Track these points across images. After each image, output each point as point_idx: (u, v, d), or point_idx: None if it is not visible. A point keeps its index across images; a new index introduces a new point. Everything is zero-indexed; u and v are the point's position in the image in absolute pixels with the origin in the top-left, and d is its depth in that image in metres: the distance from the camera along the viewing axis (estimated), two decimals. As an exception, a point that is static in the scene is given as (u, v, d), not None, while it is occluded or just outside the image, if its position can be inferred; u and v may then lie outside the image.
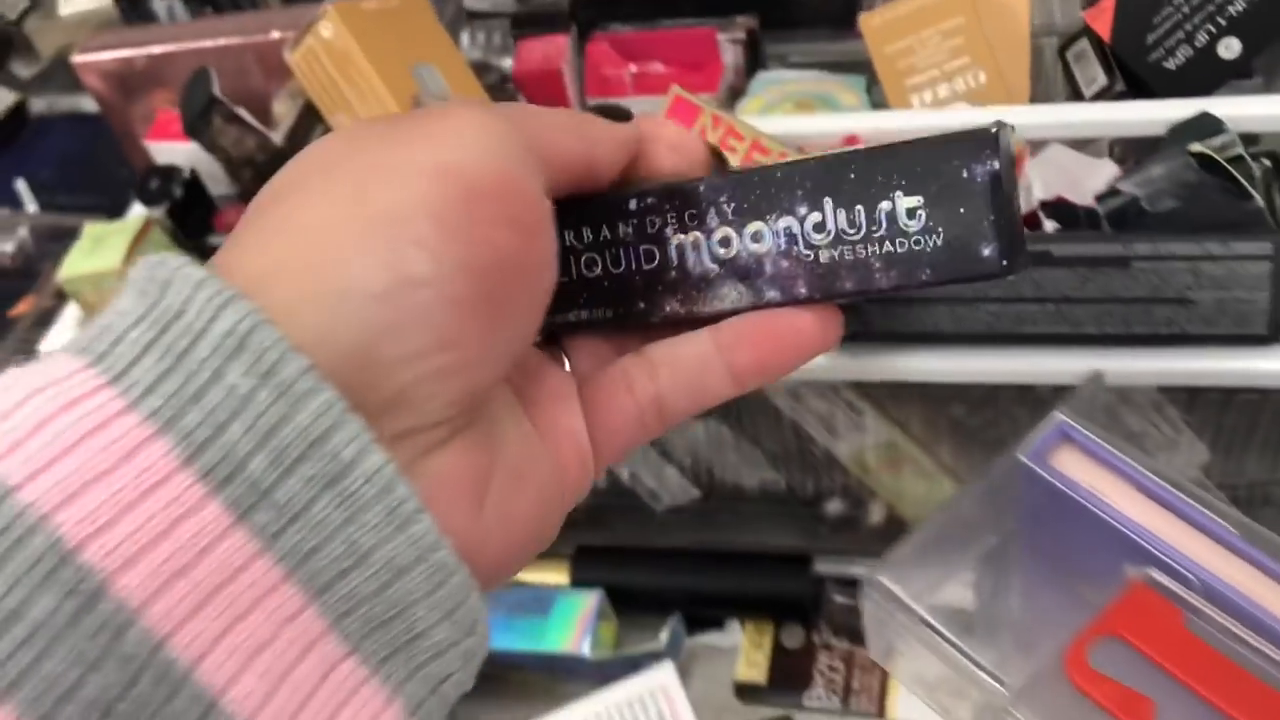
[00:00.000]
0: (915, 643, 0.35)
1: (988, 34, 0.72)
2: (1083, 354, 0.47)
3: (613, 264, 0.27)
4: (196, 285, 0.19)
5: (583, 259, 0.27)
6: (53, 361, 0.19)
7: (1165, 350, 0.47)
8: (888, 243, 0.25)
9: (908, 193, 0.24)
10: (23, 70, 1.04)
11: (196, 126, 0.58)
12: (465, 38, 0.97)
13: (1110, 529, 0.36)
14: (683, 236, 0.26)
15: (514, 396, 0.26)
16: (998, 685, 0.33)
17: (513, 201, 0.23)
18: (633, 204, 0.27)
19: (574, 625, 0.60)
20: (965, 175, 0.24)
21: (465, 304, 0.21)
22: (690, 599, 0.63)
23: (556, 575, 0.63)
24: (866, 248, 0.25)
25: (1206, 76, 0.65)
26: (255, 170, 0.60)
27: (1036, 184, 0.58)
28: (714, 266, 0.26)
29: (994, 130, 0.23)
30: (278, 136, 0.60)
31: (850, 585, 0.63)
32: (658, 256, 0.27)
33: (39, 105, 1.04)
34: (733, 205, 0.26)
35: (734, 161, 0.58)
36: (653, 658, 0.58)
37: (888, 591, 0.35)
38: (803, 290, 0.26)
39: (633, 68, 0.80)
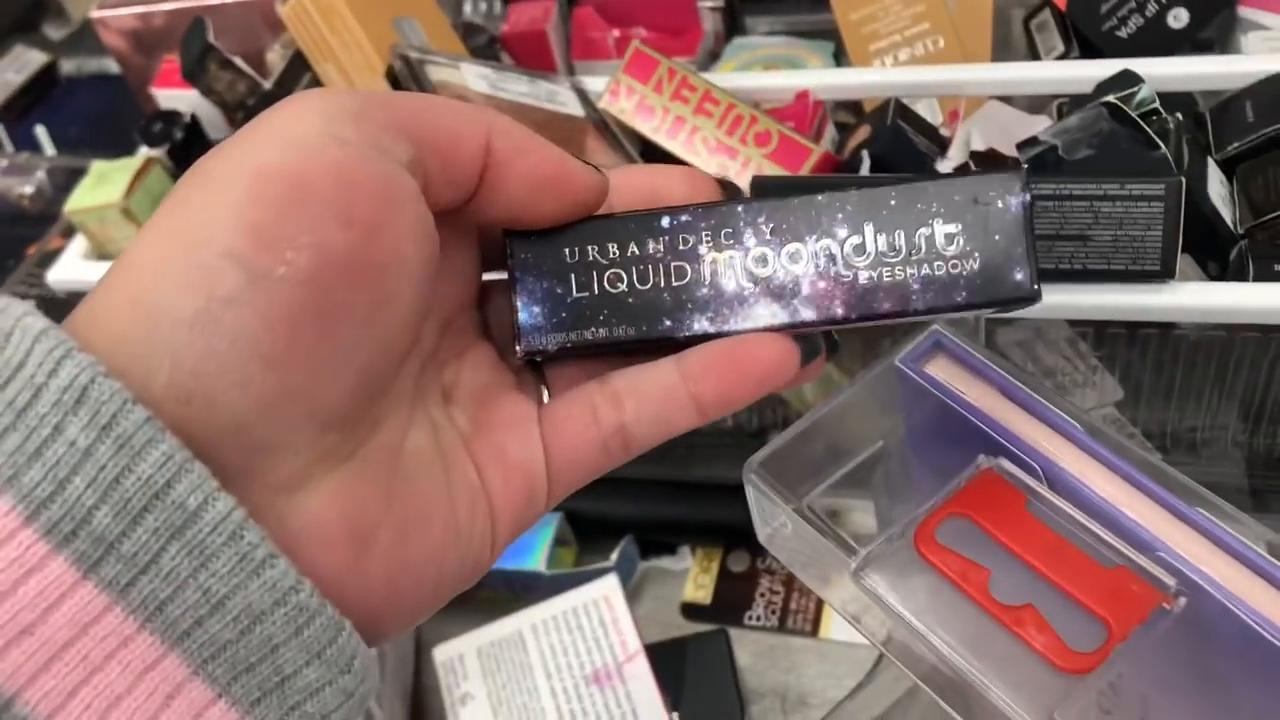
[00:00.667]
0: (789, 525, 0.39)
1: (949, 4, 0.75)
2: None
3: (639, 280, 0.27)
4: (36, 337, 0.19)
5: (606, 275, 0.27)
6: None
7: (1068, 285, 0.50)
8: (926, 265, 0.26)
9: (946, 220, 0.26)
10: (54, 32, 1.10)
11: (194, 72, 0.63)
12: (467, 5, 1.01)
13: (970, 425, 0.39)
14: (717, 254, 0.26)
15: (448, 430, 0.25)
16: (847, 555, 0.37)
17: (346, 195, 0.21)
18: (666, 221, 0.27)
19: (535, 546, 0.64)
20: (1001, 205, 0.26)
21: (288, 318, 0.20)
22: (645, 525, 0.67)
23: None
24: (905, 269, 0.26)
25: (1157, 45, 0.68)
26: (248, 113, 0.64)
27: (974, 137, 0.62)
28: (749, 285, 0.26)
29: (1025, 166, 0.26)
30: (268, 83, 0.64)
31: (793, 515, 0.66)
32: (689, 273, 0.27)
33: (68, 67, 1.10)
34: (771, 226, 0.26)
35: (687, 110, 0.62)
36: (600, 574, 0.62)
37: (763, 478, 0.39)
38: (839, 310, 0.26)
39: (616, 32, 0.84)
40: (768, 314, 0.26)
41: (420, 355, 0.26)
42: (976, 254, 0.26)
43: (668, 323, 0.27)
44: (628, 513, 0.67)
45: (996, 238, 0.26)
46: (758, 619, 0.63)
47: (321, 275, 0.20)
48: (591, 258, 0.27)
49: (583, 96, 0.66)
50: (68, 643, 0.19)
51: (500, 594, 0.64)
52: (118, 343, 0.20)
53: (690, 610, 0.64)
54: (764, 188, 0.51)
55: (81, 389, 0.19)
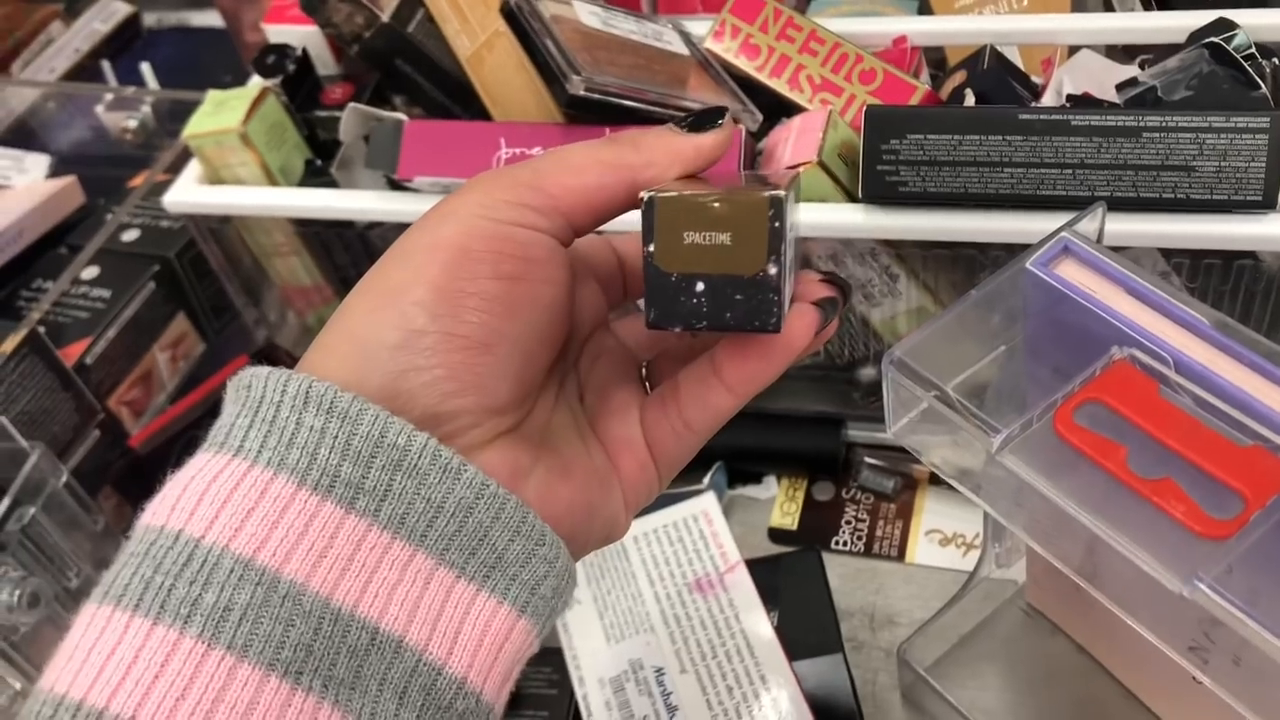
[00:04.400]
0: (929, 410, 0.41)
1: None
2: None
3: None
4: (265, 377, 0.28)
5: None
6: (193, 460, 0.28)
7: (1170, 215, 0.53)
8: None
9: None
10: (137, -15, 1.13)
11: (313, 3, 0.65)
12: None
13: (1102, 321, 0.41)
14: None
15: (581, 416, 0.34)
16: (989, 435, 0.39)
17: (505, 257, 0.30)
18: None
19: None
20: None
21: (461, 342, 0.29)
22: (733, 454, 0.69)
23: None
24: None
25: None
26: (362, 46, 0.67)
27: (1066, 83, 0.64)
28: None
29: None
30: (385, 15, 0.67)
31: (878, 449, 0.69)
32: None
33: (150, 19, 1.13)
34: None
35: (793, 49, 0.64)
36: (695, 494, 0.64)
37: (904, 364, 0.41)
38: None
39: (703, -12, 0.86)
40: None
41: (565, 361, 0.35)
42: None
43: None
44: (715, 441, 0.69)
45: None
46: (844, 544, 0.65)
47: (481, 313, 0.29)
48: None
49: (685, 37, 0.68)
50: (350, 557, 0.27)
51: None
52: (342, 364, 0.29)
53: (778, 535, 0.66)
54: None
55: (305, 393, 0.28)
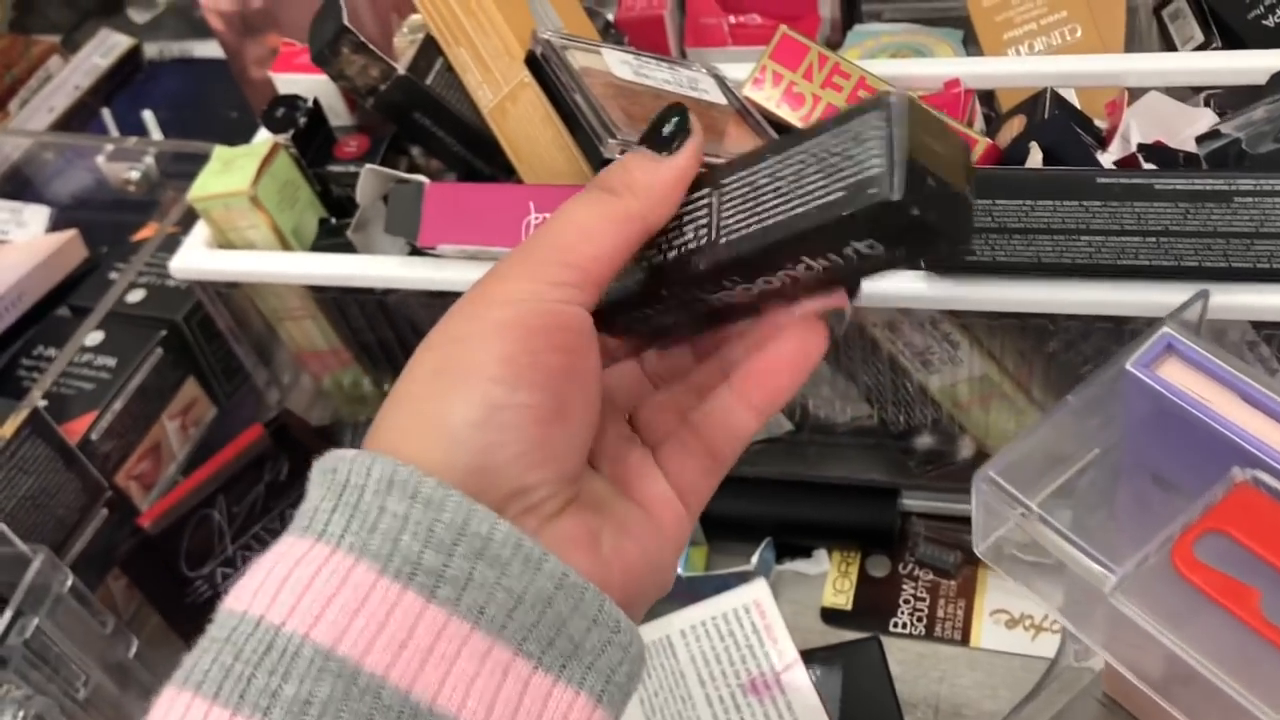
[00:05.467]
0: (1023, 534, 0.37)
1: (1082, -7, 0.72)
2: (1183, 287, 0.49)
3: (675, 316, 0.34)
4: (351, 460, 0.28)
5: (650, 322, 0.35)
6: (278, 544, 0.28)
7: (1265, 285, 0.48)
8: (866, 262, 0.29)
9: (859, 238, 0.29)
10: (138, 16, 1.09)
11: (325, 56, 0.61)
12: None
13: (1215, 435, 0.37)
14: (713, 297, 0.33)
15: (610, 481, 0.34)
16: (1105, 571, 0.34)
17: (556, 332, 0.30)
18: (664, 291, 0.33)
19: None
20: (889, 227, 0.28)
21: (540, 413, 0.29)
22: (780, 527, 0.65)
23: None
24: (850, 266, 0.29)
25: (1309, 35, 0.65)
26: (378, 99, 0.62)
27: (1133, 129, 0.59)
28: (751, 300, 0.32)
29: (895, 180, 0.27)
30: (401, 67, 0.62)
31: (936, 520, 0.64)
32: (704, 309, 0.33)
33: (151, 51, 1.09)
34: (740, 276, 0.31)
35: (840, 99, 0.59)
36: (742, 578, 0.60)
37: (997, 485, 0.37)
38: (827, 289, 0.32)
39: (731, 18, 0.82)
40: (778, 308, 0.33)
41: None
42: (899, 245, 0.29)
43: (710, 328, 0.35)
44: (760, 513, 0.65)
45: (906, 232, 0.28)
46: (903, 626, 0.61)
47: (551, 384, 0.30)
48: (634, 318, 0.35)
49: (721, 83, 0.64)
50: (429, 648, 0.27)
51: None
52: (425, 446, 0.29)
53: (831, 616, 0.62)
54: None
55: (390, 478, 0.28)
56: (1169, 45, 0.78)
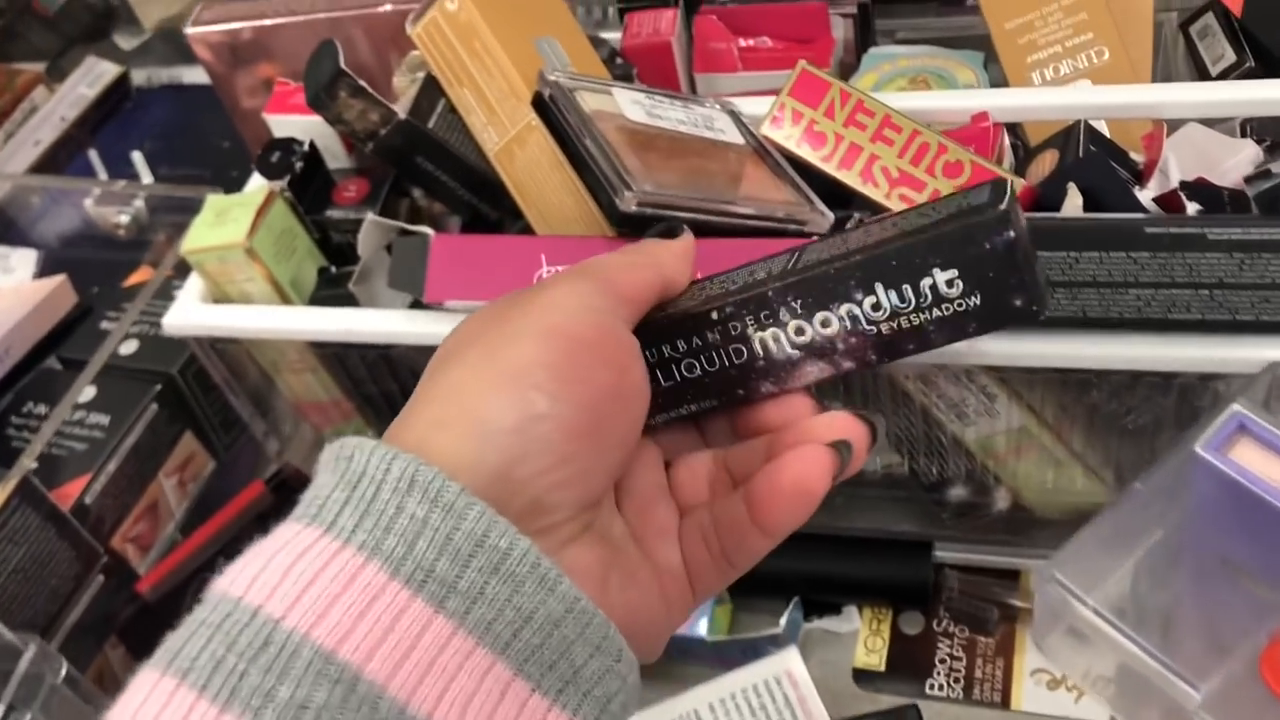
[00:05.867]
0: (1091, 638, 0.34)
1: (1112, 9, 0.69)
2: (1240, 342, 0.46)
3: (708, 364, 0.33)
4: (369, 451, 0.27)
5: (683, 364, 0.33)
6: (280, 529, 0.26)
7: (1327, 340, 0.45)
8: (935, 309, 0.29)
9: (944, 268, 0.29)
10: (124, 42, 1.06)
11: (321, 100, 0.58)
12: (579, 10, 0.96)
13: (1294, 525, 0.34)
14: (763, 333, 0.31)
15: (629, 524, 0.32)
16: (1189, 688, 0.32)
17: (607, 347, 0.30)
18: (714, 315, 0.32)
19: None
20: (989, 247, 0.28)
21: (576, 429, 0.28)
22: (808, 583, 0.62)
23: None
24: (918, 316, 0.30)
25: (1350, 54, 0.63)
26: (378, 144, 0.59)
27: (1173, 165, 0.56)
28: (795, 352, 0.31)
29: (1004, 208, 0.28)
30: (401, 110, 0.59)
31: (971, 572, 0.62)
32: (745, 353, 0.32)
33: (139, 77, 1.06)
34: (799, 302, 0.31)
35: (864, 137, 0.56)
36: (771, 642, 0.57)
37: (1064, 588, 0.34)
38: (873, 357, 0.31)
39: (741, 42, 0.79)
40: (816, 370, 0.31)
41: None
42: (977, 291, 0.29)
43: (740, 391, 0.33)
44: (786, 568, 0.62)
45: (991, 274, 0.29)
46: (940, 688, 0.58)
47: (595, 401, 0.29)
48: (667, 354, 0.33)
49: (737, 119, 0.61)
50: (433, 660, 0.25)
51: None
52: (458, 442, 0.28)
53: (864, 677, 0.60)
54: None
55: (410, 477, 0.26)
56: (1197, 64, 0.75)
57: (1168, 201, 0.55)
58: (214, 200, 0.62)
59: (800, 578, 0.62)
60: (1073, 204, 0.52)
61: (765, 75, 0.77)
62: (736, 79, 0.78)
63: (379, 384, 0.64)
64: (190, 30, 0.76)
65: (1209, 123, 0.60)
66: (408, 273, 0.56)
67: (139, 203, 0.73)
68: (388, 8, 0.73)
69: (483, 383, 0.29)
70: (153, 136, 1.01)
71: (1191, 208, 0.53)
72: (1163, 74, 0.75)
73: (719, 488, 0.34)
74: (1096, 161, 0.54)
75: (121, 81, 1.02)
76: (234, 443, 0.72)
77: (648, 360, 0.32)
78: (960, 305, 0.29)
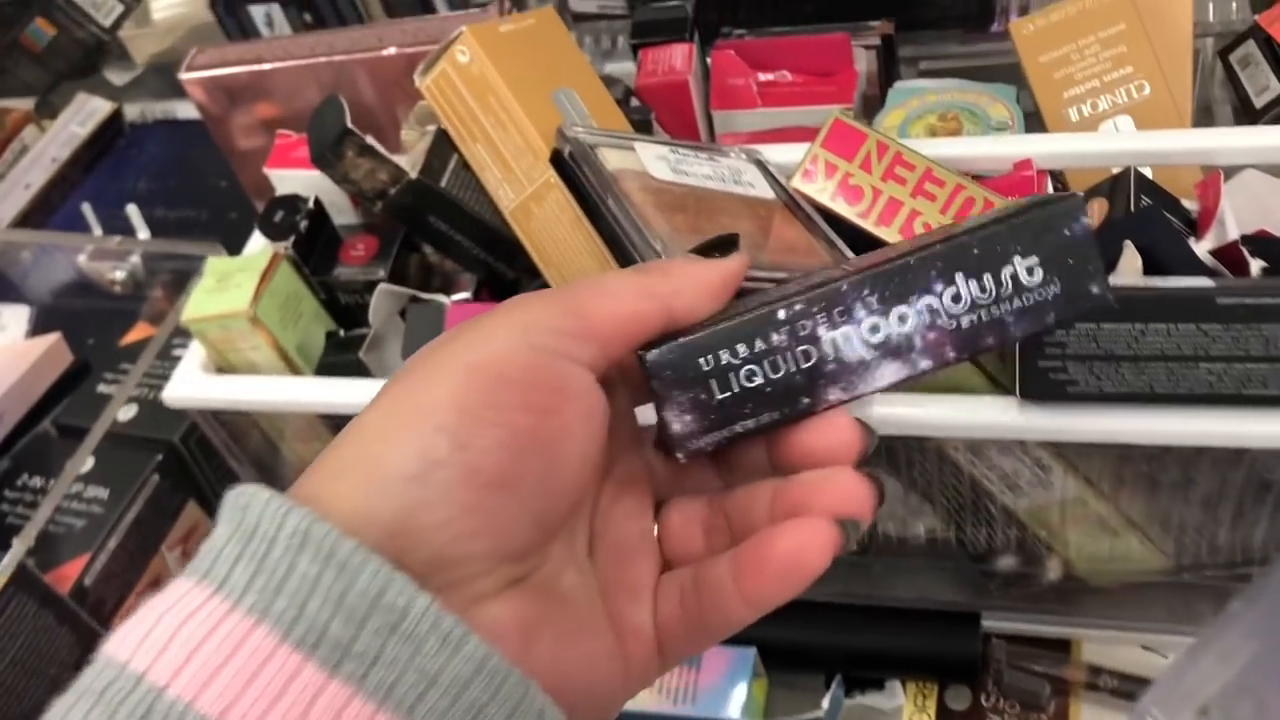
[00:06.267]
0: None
1: (1150, 39, 0.66)
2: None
3: (772, 370, 0.30)
4: (264, 503, 0.25)
5: (741, 372, 0.30)
6: (174, 583, 0.25)
7: None
8: (1016, 299, 0.29)
9: (1025, 255, 0.29)
10: (116, 78, 1.02)
11: (326, 159, 0.55)
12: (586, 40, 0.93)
13: None
14: (834, 332, 0.29)
15: (600, 574, 0.30)
16: None
17: (534, 387, 0.27)
18: (781, 313, 0.29)
19: (724, 685, 0.56)
20: (1068, 232, 0.29)
21: (483, 477, 0.26)
22: (848, 657, 0.59)
23: (702, 628, 0.60)
24: (999, 307, 0.29)
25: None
26: (388, 203, 0.56)
27: (1229, 215, 0.53)
28: (869, 352, 0.29)
29: (1080, 196, 0.29)
30: (410, 166, 0.56)
31: (1021, 643, 0.59)
32: (814, 355, 0.30)
33: (132, 112, 1.02)
34: (876, 296, 0.29)
35: (904, 191, 0.53)
36: (815, 725, 0.54)
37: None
38: (951, 354, 0.29)
39: (760, 76, 0.75)
40: (890, 372, 0.29)
41: (585, 505, 0.31)
42: (1056, 279, 0.29)
43: (805, 400, 0.30)
44: (824, 641, 0.60)
45: (1070, 261, 0.29)
46: (991, 770, 0.55)
47: (508, 447, 0.26)
48: (725, 361, 0.30)
49: (764, 169, 0.58)
50: None
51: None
52: (352, 490, 0.26)
53: (910, 758, 0.56)
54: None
55: (304, 534, 0.24)
56: (1240, 95, 0.72)
57: (1227, 256, 0.52)
58: (214, 264, 0.59)
59: (840, 651, 0.59)
60: (1131, 266, 0.48)
61: (786, 111, 0.74)
62: (756, 115, 0.74)
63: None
64: (184, 76, 0.73)
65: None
66: (423, 342, 0.53)
67: (135, 259, 0.69)
68: (392, 51, 0.70)
69: (387, 425, 0.26)
70: (148, 175, 0.98)
71: (1255, 265, 0.50)
72: (1199, 104, 0.72)
73: (715, 538, 0.31)
74: (1154, 219, 0.51)
75: (114, 118, 0.99)
76: (239, 508, 0.69)
77: (700, 371, 0.30)
78: (1040, 295, 0.29)
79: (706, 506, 0.32)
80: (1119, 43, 0.66)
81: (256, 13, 0.91)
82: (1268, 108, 0.69)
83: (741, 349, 0.30)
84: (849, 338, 0.29)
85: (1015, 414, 0.46)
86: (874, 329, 0.29)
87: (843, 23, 0.77)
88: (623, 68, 0.90)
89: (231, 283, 0.57)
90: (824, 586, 0.61)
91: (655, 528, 0.32)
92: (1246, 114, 0.71)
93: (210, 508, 0.68)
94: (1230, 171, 0.55)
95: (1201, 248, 0.53)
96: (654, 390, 0.30)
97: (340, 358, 0.59)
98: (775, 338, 0.30)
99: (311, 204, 0.61)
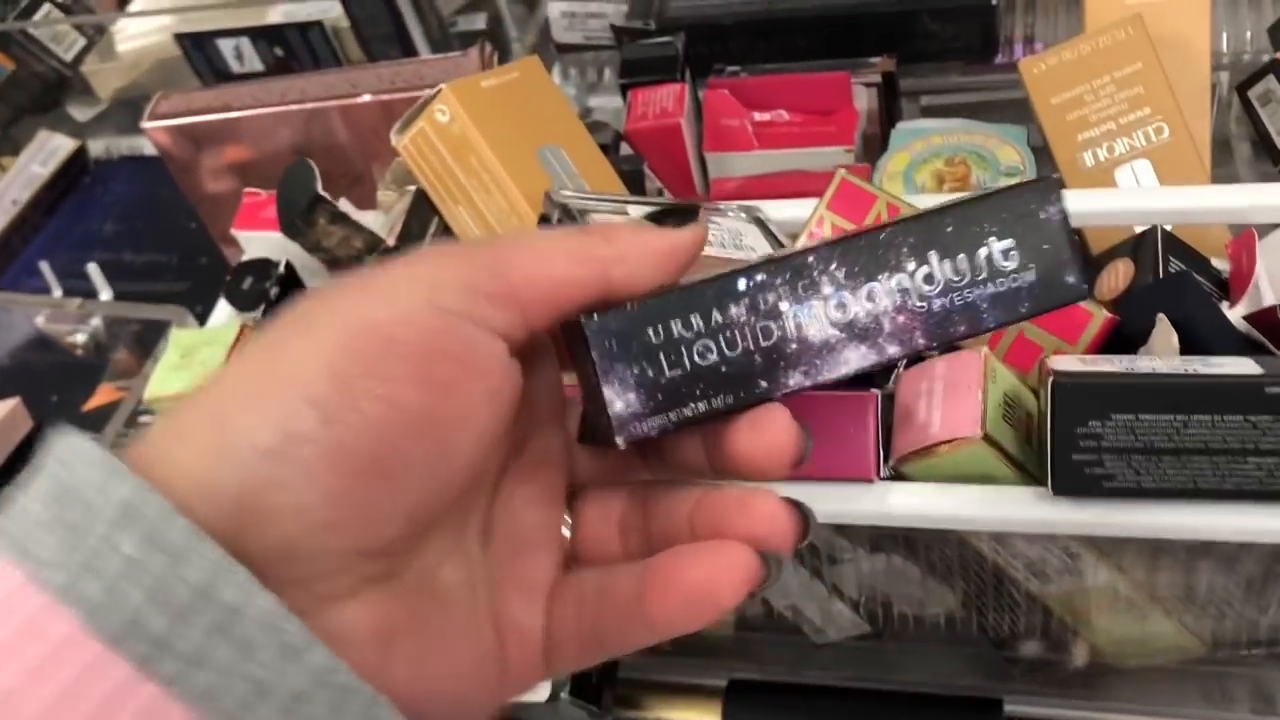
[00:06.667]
0: None
1: (1169, 80, 0.63)
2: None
3: (728, 347, 0.27)
4: (91, 463, 0.21)
5: (694, 348, 0.26)
6: None
7: None
8: (990, 284, 0.27)
9: (1000, 237, 0.27)
10: (79, 114, 0.98)
11: (297, 227, 0.51)
12: (556, 73, 0.89)
13: None
14: (798, 307, 0.27)
15: (481, 568, 0.26)
16: None
17: (434, 357, 0.23)
18: (742, 283, 0.26)
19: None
20: (1044, 215, 0.27)
21: (352, 463, 0.22)
22: (860, 748, 0.55)
23: (707, 715, 0.56)
24: (973, 290, 0.27)
25: None
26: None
27: (1264, 278, 0.50)
28: (835, 332, 0.27)
29: (1056, 178, 0.27)
30: (387, 229, 0.52)
31: (1046, 731, 0.55)
32: (775, 332, 0.27)
33: (97, 148, 0.98)
34: (844, 270, 0.27)
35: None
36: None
37: None
38: (921, 340, 0.27)
39: (755, 116, 0.72)
40: (856, 356, 0.27)
41: (481, 489, 0.27)
42: (1031, 265, 0.27)
43: (763, 384, 0.27)
44: (841, 727, 0.56)
45: (1045, 246, 0.27)
46: None
47: (387, 426, 0.22)
48: (678, 334, 0.26)
49: (763, 227, 0.54)
50: None
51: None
52: (196, 456, 0.22)
53: None
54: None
55: (131, 506, 0.20)
56: (1259, 131, 0.69)
57: (1263, 322, 0.48)
58: (179, 336, 0.55)
59: (855, 740, 0.56)
60: (1167, 344, 0.45)
61: (783, 154, 0.71)
62: (752, 158, 0.71)
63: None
64: (147, 124, 0.69)
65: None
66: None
67: (96, 321, 0.65)
68: (366, 98, 0.66)
69: (247, 387, 0.22)
70: (114, 216, 0.94)
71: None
72: (1215, 138, 0.69)
73: (631, 539, 0.28)
74: (1187, 286, 0.48)
75: (78, 155, 0.95)
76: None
77: (648, 343, 0.26)
78: (1015, 280, 0.27)
79: (626, 500, 0.28)
80: (1135, 83, 0.63)
81: (225, 46, 0.87)
82: (1290, 147, 0.65)
83: (696, 320, 0.26)
84: (814, 314, 0.27)
85: (1048, 508, 0.43)
86: (840, 305, 0.27)
87: (840, 58, 0.73)
88: (609, 102, 0.86)
89: (196, 359, 0.53)
90: (835, 670, 0.58)
91: (565, 517, 0.28)
92: (1267, 151, 0.68)
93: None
94: (1263, 229, 0.52)
95: (1235, 313, 0.49)
96: (593, 365, 0.25)
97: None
98: (734, 310, 0.26)
99: (283, 269, 0.57)
